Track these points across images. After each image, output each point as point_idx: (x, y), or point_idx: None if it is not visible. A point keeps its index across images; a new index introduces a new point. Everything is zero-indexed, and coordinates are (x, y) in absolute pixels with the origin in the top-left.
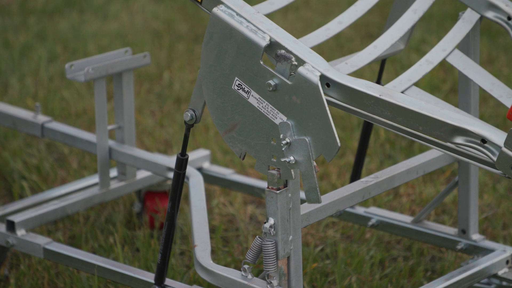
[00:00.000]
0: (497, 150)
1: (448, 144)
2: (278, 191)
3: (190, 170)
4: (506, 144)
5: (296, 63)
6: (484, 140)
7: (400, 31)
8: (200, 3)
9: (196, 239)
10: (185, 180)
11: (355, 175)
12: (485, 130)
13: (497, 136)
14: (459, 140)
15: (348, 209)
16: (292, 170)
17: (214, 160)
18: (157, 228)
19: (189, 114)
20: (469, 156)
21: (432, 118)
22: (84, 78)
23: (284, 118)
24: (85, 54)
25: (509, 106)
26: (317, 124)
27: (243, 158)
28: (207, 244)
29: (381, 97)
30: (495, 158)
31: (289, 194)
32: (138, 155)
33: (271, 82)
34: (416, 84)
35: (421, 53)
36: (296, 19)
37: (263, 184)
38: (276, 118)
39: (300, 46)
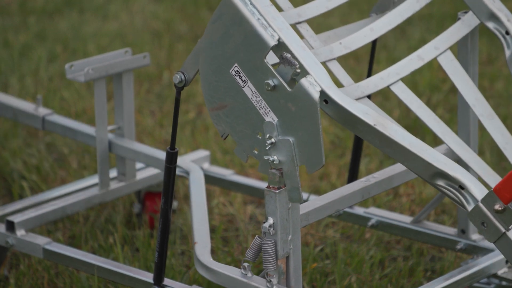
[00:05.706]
0: (474, 202)
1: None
2: (277, 191)
3: (190, 165)
4: (484, 201)
5: (299, 70)
6: (461, 187)
7: (399, 18)
8: None
9: (196, 237)
10: (185, 175)
11: (352, 177)
12: (467, 179)
13: (477, 189)
14: (439, 182)
15: (348, 210)
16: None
17: (213, 160)
18: (156, 228)
19: (179, 77)
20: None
21: (418, 157)
22: (84, 79)
23: (275, 119)
24: (85, 54)
25: (487, 127)
26: (307, 138)
27: (225, 138)
28: (207, 242)
29: (375, 126)
30: (469, 209)
31: None
32: (138, 149)
33: (271, 82)
34: (416, 83)
35: None
36: None
37: (263, 185)
38: (267, 115)
39: (307, 55)
